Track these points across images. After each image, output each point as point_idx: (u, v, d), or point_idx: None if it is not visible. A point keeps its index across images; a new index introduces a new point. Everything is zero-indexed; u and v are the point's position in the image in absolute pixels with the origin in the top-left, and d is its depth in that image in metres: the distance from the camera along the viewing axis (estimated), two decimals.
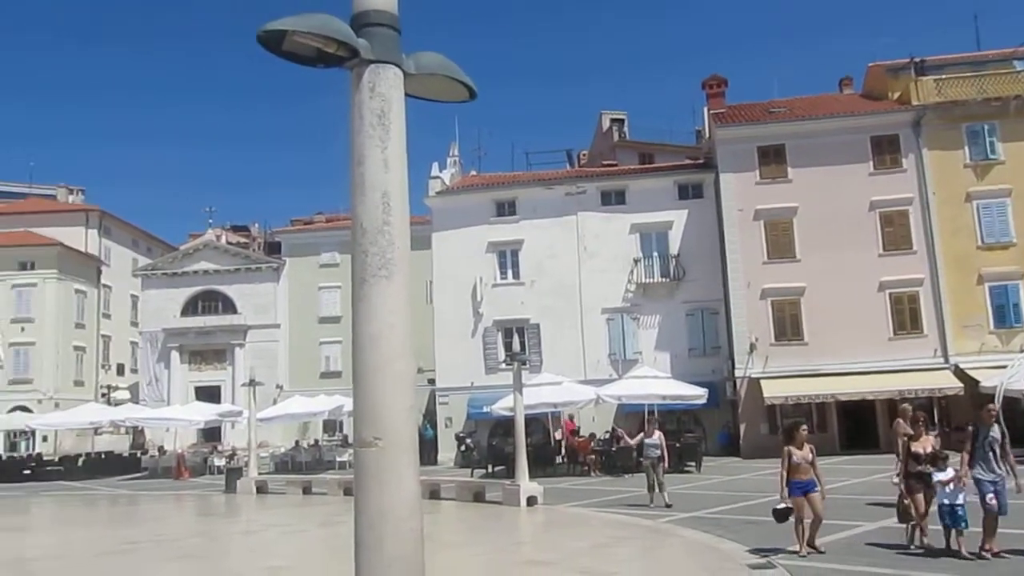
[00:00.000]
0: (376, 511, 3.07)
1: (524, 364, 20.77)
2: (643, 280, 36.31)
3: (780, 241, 33.90)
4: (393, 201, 3.35)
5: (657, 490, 17.28)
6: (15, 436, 48.38)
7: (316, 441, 41.64)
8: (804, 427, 11.46)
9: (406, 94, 3.49)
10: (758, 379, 32.45)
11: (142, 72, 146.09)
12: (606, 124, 53.21)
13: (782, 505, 10.94)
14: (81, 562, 13.12)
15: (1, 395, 49.41)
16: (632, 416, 31.16)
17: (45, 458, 41.38)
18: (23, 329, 50.74)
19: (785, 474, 10.98)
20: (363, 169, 3.33)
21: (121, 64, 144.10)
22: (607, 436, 29.36)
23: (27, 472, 36.60)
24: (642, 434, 18.91)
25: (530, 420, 24.63)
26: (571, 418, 30.71)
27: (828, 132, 34.32)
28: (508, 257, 37.45)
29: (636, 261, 36.39)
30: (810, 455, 11.03)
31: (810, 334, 33.03)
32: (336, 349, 48.14)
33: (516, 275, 37.26)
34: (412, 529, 3.17)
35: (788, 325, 33.44)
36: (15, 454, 45.87)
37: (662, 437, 18.23)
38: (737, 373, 33.39)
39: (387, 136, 3.36)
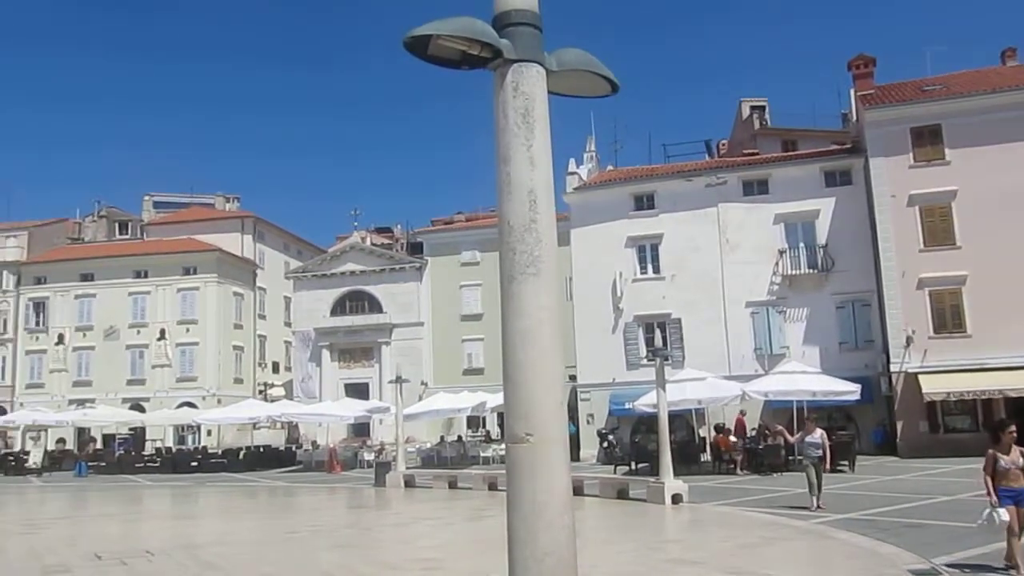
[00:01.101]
0: (529, 506, 3.10)
1: (667, 360, 20.49)
2: (789, 272, 35.15)
3: (938, 228, 32.05)
4: (539, 199, 3.36)
5: (817, 491, 16.58)
6: (183, 430, 51.68)
7: (460, 437, 42.49)
8: (1012, 428, 10.03)
9: (549, 91, 3.50)
10: (916, 374, 30.82)
11: (288, 86, 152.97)
12: (746, 112, 51.80)
13: (1005, 516, 9.47)
14: (246, 548, 13.87)
15: (170, 392, 52.93)
16: (779, 413, 30.18)
17: (209, 451, 44.02)
18: (188, 330, 54.12)
19: (990, 480, 9.87)
20: (509, 168, 3.36)
21: (270, 78, 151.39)
22: (754, 433, 28.61)
23: (194, 464, 39.00)
24: (802, 432, 18.17)
25: (673, 417, 24.27)
26: (742, 413, 29.71)
27: (990, 109, 32.14)
28: (648, 251, 37.03)
29: (781, 252, 35.26)
30: (1020, 459, 9.66)
31: (974, 326, 31.07)
32: (478, 346, 48.96)
33: (656, 269, 36.82)
34: (565, 524, 3.18)
35: (948, 316, 31.58)
36: (183, 447, 49.00)
37: (824, 436, 17.53)
38: (892, 368, 31.83)
39: (532, 134, 3.38)
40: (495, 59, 3.41)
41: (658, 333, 22.54)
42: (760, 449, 26.19)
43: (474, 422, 46.56)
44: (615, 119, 57.79)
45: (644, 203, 37.58)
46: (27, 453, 44.43)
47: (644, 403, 26.93)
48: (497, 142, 3.42)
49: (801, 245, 35.28)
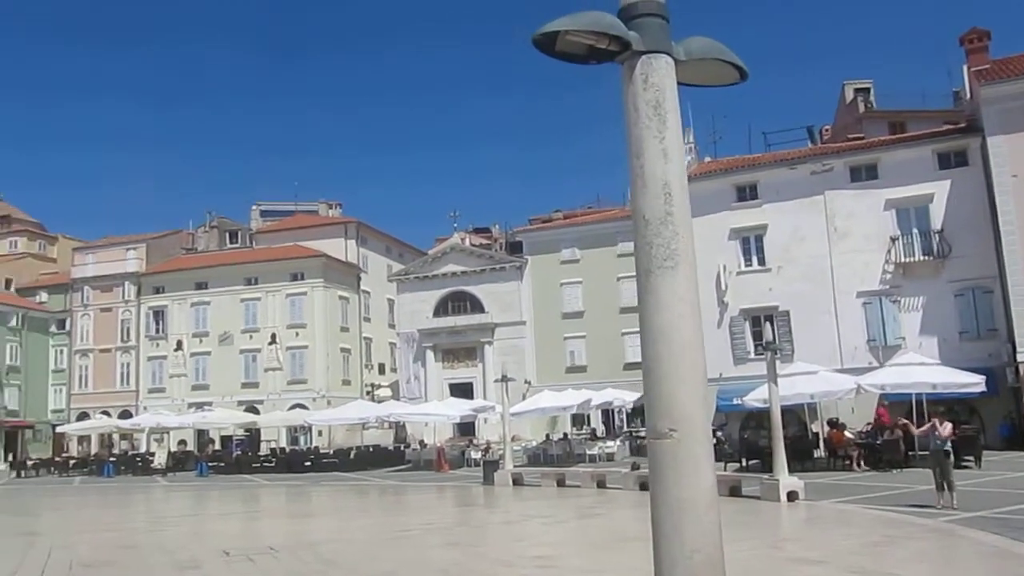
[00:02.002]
0: (674, 502, 3.05)
1: (777, 354, 19.99)
2: (902, 259, 33.85)
3: None
4: (674, 191, 3.32)
5: (946, 489, 15.84)
6: (295, 431, 53.28)
7: (565, 434, 42.46)
8: None
9: (677, 82, 3.45)
10: None
11: (387, 83, 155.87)
12: (849, 95, 50.11)
13: None
14: (363, 546, 14.17)
15: (282, 395, 54.65)
16: (895, 407, 29.10)
17: (321, 451, 45.23)
18: (297, 334, 55.77)
19: None
20: (642, 161, 3.32)
21: (367, 72, 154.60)
22: (869, 428, 27.64)
23: (307, 464, 40.11)
24: (929, 425, 17.34)
25: (784, 411, 23.67)
26: (884, 405, 28.67)
27: None
28: (752, 243, 36.28)
29: (893, 239, 34.00)
30: None
31: None
32: (580, 344, 48.85)
33: (761, 261, 36.02)
34: (711, 520, 3.13)
35: None
36: (296, 447, 50.51)
37: (951, 429, 16.74)
38: (1020, 358, 30.26)
39: (664, 126, 3.34)
40: (623, 52, 3.38)
41: (767, 327, 21.96)
42: (878, 444, 25.28)
43: (579, 420, 46.49)
44: (712, 109, 56.81)
45: (747, 194, 36.82)
46: (152, 454, 46.65)
47: (754, 398, 26.37)
48: (628, 136, 3.39)
49: (915, 231, 33.95)
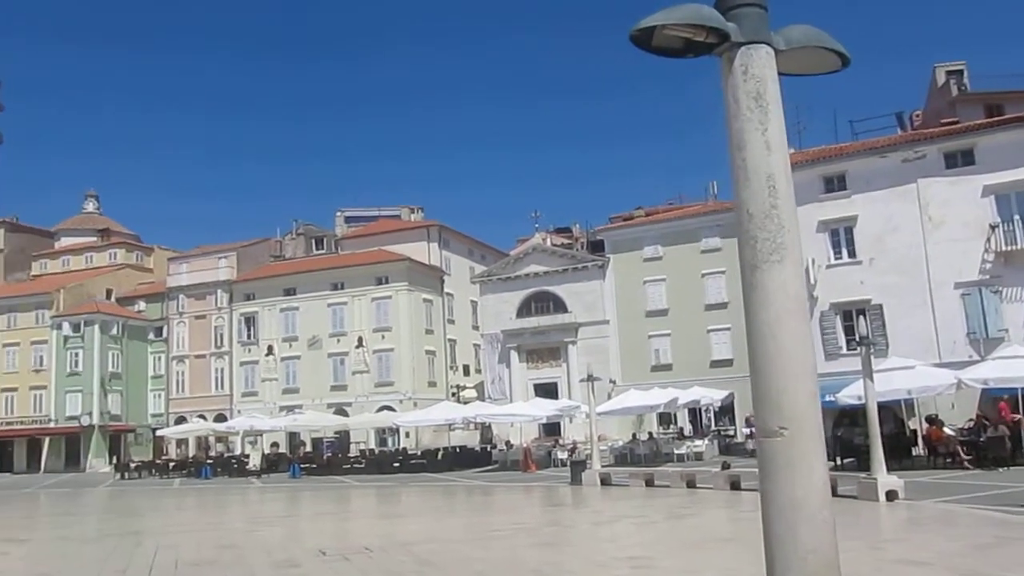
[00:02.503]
0: (787, 502, 2.98)
1: (871, 348, 19.41)
2: (1004, 248, 32.46)
3: None
4: (778, 183, 3.25)
5: None
6: (384, 433, 54.11)
7: (651, 434, 42.08)
8: None
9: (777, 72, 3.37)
10: None
11: (463, 82, 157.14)
12: (941, 78, 48.26)
13: None
14: (456, 546, 14.28)
15: (369, 397, 55.59)
16: (999, 402, 27.88)
17: (409, 452, 45.83)
18: (383, 337, 56.63)
19: None
20: (744, 154, 3.26)
21: (446, 74, 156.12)
22: (971, 424, 26.57)
23: (396, 465, 40.69)
24: None
25: (880, 408, 22.94)
26: (1004, 399, 27.60)
27: None
28: (841, 235, 35.32)
29: (993, 227, 32.64)
30: None
31: None
32: (665, 342, 48.36)
33: (852, 253, 35.04)
34: (825, 520, 3.04)
35: None
36: (385, 448, 51.30)
37: None
38: None
39: (766, 118, 3.27)
40: (722, 44, 3.32)
41: (860, 321, 21.31)
42: (981, 441, 24.29)
43: (665, 419, 46.04)
44: (795, 99, 55.27)
45: (835, 184, 35.87)
46: (247, 456, 48.01)
47: (848, 395, 25.64)
48: (729, 129, 3.33)
49: (1016, 218, 32.52)
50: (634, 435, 41.19)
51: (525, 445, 39.61)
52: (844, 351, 33.77)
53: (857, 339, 19.12)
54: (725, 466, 23.27)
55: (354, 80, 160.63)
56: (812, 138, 56.85)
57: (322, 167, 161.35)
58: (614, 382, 47.70)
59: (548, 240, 57.92)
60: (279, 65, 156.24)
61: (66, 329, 62.21)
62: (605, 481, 25.97)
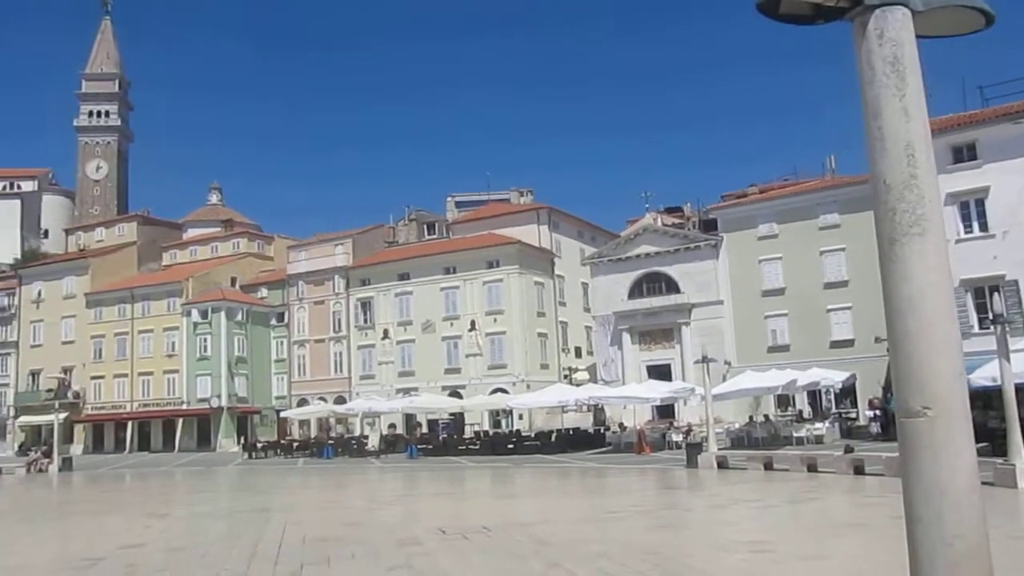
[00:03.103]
0: (932, 485, 2.84)
1: (1007, 327, 18.39)
2: None
3: None
4: (918, 152, 3.08)
5: None
6: (497, 414, 54.73)
7: (767, 417, 41.15)
8: None
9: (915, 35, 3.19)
10: None
11: (572, 64, 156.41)
12: None
13: None
14: (573, 526, 14.32)
15: (483, 379, 56.24)
16: None
17: (523, 434, 46.23)
18: (495, 320, 57.13)
19: None
20: (880, 122, 3.11)
21: (552, 55, 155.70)
22: None
23: (510, 446, 41.15)
24: None
25: (1018, 390, 21.72)
26: None
27: None
28: (972, 207, 33.59)
29: None
30: None
31: None
32: (782, 322, 47.09)
33: (984, 227, 33.28)
34: (973, 505, 2.90)
35: None
36: (499, 430, 51.90)
37: None
38: None
39: (903, 83, 3.10)
40: (854, 7, 3.17)
41: (995, 298, 20.18)
42: None
43: (783, 401, 44.89)
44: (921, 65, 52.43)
45: (964, 155, 34.09)
46: (366, 437, 49.47)
47: (981, 376, 24.34)
48: (863, 96, 3.18)
49: None
50: (751, 418, 40.38)
51: (639, 427, 39.41)
52: (976, 330, 32.12)
53: (991, 317, 18.15)
54: (848, 450, 22.59)
55: (464, 65, 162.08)
56: (938, 106, 54.12)
57: (433, 153, 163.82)
58: (729, 363, 46.74)
59: (659, 220, 57.11)
60: (387, 51, 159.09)
61: (195, 316, 65.30)
62: (722, 464, 25.57)
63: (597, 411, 50.52)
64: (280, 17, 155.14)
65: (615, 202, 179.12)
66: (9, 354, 72.85)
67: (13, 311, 73.40)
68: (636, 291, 52.39)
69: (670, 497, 20.28)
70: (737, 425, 39.77)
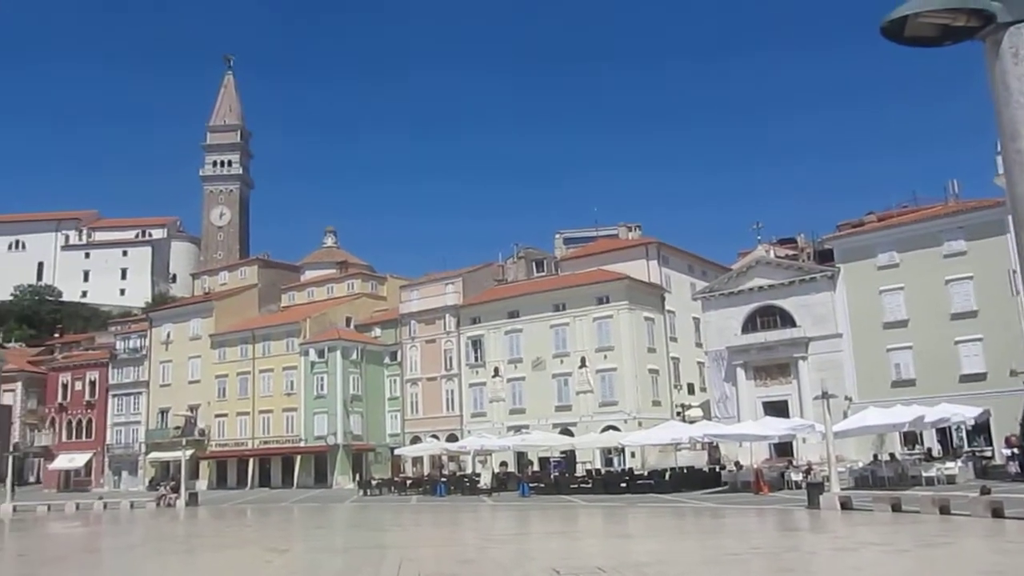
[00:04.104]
0: None
1: None
2: None
3: None
4: None
5: None
6: (609, 452, 54.05)
7: (893, 455, 39.27)
8: None
9: None
10: None
11: (681, 96, 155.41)
12: None
13: None
14: (692, 569, 13.93)
15: (594, 417, 55.73)
16: None
17: (636, 472, 45.46)
18: (605, 357, 56.68)
19: None
20: (1019, 144, 2.93)
21: (659, 94, 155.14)
22: None
23: (623, 485, 40.51)
24: None
25: None
26: None
27: None
28: None
29: None
30: None
31: None
32: (906, 355, 45.09)
33: None
34: None
35: None
36: (611, 468, 51.20)
37: None
38: None
39: None
40: (985, 26, 3.01)
41: None
42: None
43: (910, 438, 42.82)
44: None
45: None
46: (478, 475, 49.59)
47: None
48: (999, 118, 3.01)
49: None
50: (875, 456, 38.56)
51: (756, 466, 38.21)
52: None
53: None
54: (985, 491, 21.27)
55: (570, 99, 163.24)
56: None
57: (540, 190, 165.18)
58: (850, 399, 45.02)
59: (772, 252, 55.82)
60: (489, 86, 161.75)
61: (312, 355, 67.23)
62: (845, 505, 24.50)
63: (712, 449, 49.32)
64: (389, 50, 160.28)
65: (724, 235, 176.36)
66: (141, 393, 76.62)
67: (144, 352, 77.30)
68: (750, 325, 51.17)
69: (792, 539, 19.51)
70: (860, 464, 38.07)
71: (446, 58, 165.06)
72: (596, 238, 78.06)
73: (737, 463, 42.23)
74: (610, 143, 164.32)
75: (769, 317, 50.67)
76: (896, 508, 22.96)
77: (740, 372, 51.04)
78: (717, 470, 43.40)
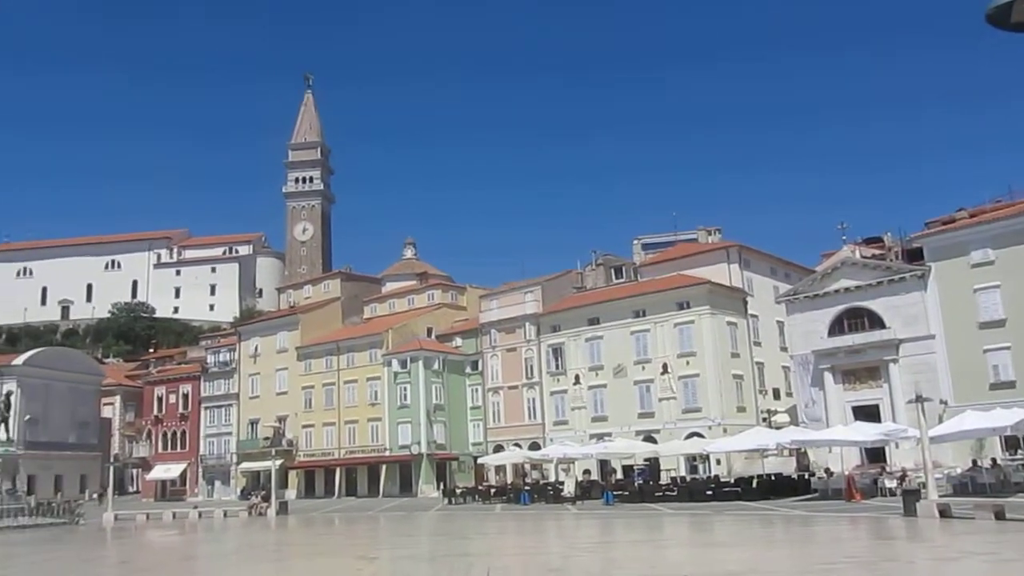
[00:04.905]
0: None
1: None
2: None
3: None
4: None
5: None
6: (694, 460, 53.28)
7: (995, 460, 37.72)
8: None
9: None
10: None
11: (761, 99, 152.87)
12: None
13: None
14: None
15: (677, 423, 55.08)
16: None
17: (721, 479, 44.70)
18: (688, 363, 55.98)
19: None
20: None
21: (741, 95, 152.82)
22: None
23: (709, 492, 39.84)
24: None
25: None
26: None
27: None
28: None
29: None
30: None
31: None
32: (1004, 356, 43.36)
33: None
34: None
35: None
36: (696, 476, 50.45)
37: None
38: None
39: None
40: None
41: None
42: None
43: (1011, 443, 41.08)
44: None
45: None
46: (561, 483, 49.39)
47: None
48: None
49: None
50: (975, 462, 37.13)
51: (847, 473, 37.15)
52: None
53: None
54: None
55: (649, 102, 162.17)
56: None
57: (616, 195, 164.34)
58: (945, 403, 43.42)
59: (857, 252, 54.31)
60: (568, 91, 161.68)
61: (395, 366, 68.13)
62: (944, 513, 23.60)
63: (800, 455, 48.21)
64: (468, 57, 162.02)
65: (807, 236, 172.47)
66: (231, 405, 78.86)
67: (234, 365, 79.56)
68: (836, 328, 49.91)
69: (889, 548, 18.88)
70: (959, 470, 36.68)
71: (521, 65, 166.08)
72: (675, 243, 77.19)
73: (827, 469, 41.15)
74: (687, 147, 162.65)
75: (857, 319, 49.32)
76: (999, 516, 22.04)
77: (828, 376, 49.80)
78: (806, 477, 42.40)
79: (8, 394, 56.28)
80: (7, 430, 46.07)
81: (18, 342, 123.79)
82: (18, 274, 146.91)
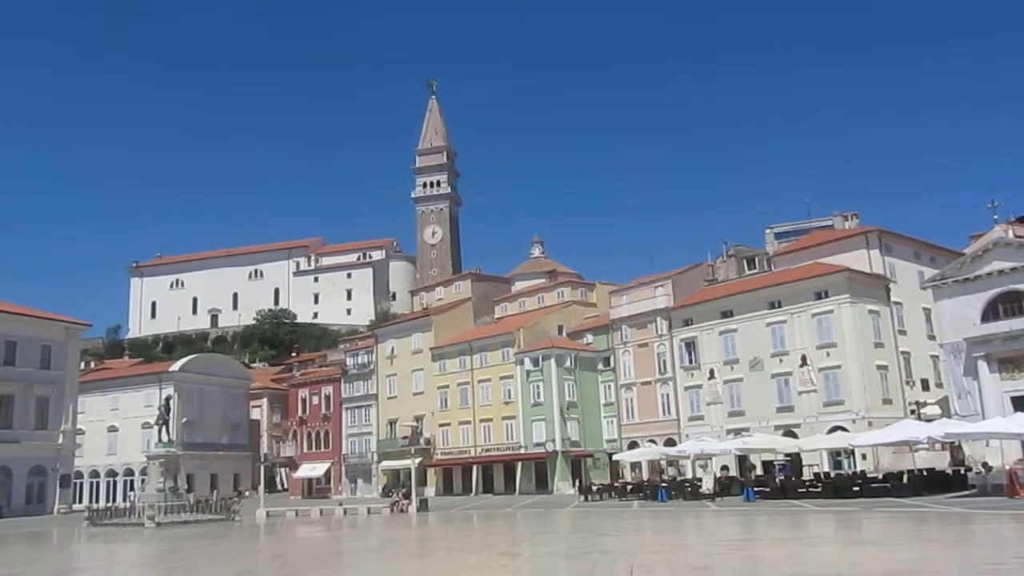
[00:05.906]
0: None
1: None
2: None
3: None
4: None
5: None
6: (837, 454, 51.40)
7: None
8: None
9: None
10: None
11: (899, 86, 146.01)
12: None
13: None
14: None
15: (819, 417, 53.24)
16: None
17: (868, 475, 42.92)
18: (828, 354, 53.99)
19: None
20: None
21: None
22: None
23: (855, 489, 38.37)
24: None
25: None
26: None
27: None
28: None
29: None
30: None
31: None
32: None
33: None
34: None
35: None
36: (841, 471, 48.64)
37: None
38: None
39: None
40: None
41: None
42: None
43: None
44: None
45: None
46: (699, 480, 48.67)
47: None
48: None
49: None
50: None
51: (1009, 467, 35.00)
52: None
53: None
54: None
55: (782, 92, 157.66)
56: None
57: (749, 186, 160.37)
58: None
59: (1011, 232, 50.99)
60: (690, 81, 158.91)
61: (527, 364, 68.64)
62: None
63: (954, 449, 45.73)
64: (588, 51, 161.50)
65: (950, 219, 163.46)
66: (370, 405, 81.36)
67: (371, 367, 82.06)
68: (991, 313, 47.10)
69: None
70: None
71: (638, 57, 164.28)
72: (810, 230, 74.55)
73: (985, 464, 38.93)
74: (823, 133, 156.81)
75: (1013, 303, 46.40)
76: None
77: (982, 365, 47.05)
78: (962, 472, 40.22)
79: (168, 398, 60.18)
80: (168, 432, 49.10)
81: (173, 350, 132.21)
82: (171, 286, 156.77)
